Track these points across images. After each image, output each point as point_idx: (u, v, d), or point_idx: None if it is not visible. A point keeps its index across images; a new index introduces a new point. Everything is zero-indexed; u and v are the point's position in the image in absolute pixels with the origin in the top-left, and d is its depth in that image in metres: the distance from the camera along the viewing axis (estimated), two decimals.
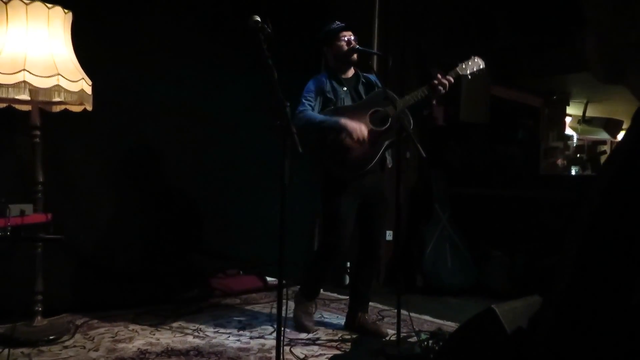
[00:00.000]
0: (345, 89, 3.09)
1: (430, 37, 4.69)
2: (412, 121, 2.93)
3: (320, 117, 2.97)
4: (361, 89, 3.14)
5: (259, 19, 2.18)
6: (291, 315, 3.16)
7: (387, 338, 2.99)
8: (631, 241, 0.75)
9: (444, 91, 2.89)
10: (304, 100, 3.03)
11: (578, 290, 0.81)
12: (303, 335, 3.02)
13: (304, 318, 3.13)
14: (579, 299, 0.81)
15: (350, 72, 3.17)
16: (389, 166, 3.15)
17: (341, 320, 3.31)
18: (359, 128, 2.87)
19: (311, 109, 3.01)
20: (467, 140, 4.99)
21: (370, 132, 2.91)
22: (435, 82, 2.87)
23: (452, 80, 2.91)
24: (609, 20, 0.87)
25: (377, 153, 2.94)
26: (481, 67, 3.00)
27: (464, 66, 2.97)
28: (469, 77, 3.02)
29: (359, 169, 2.94)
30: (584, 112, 7.48)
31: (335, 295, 3.99)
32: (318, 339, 2.98)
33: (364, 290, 3.21)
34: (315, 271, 3.18)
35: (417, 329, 2.96)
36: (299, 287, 3.26)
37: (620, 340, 0.76)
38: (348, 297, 3.34)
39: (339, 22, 3.11)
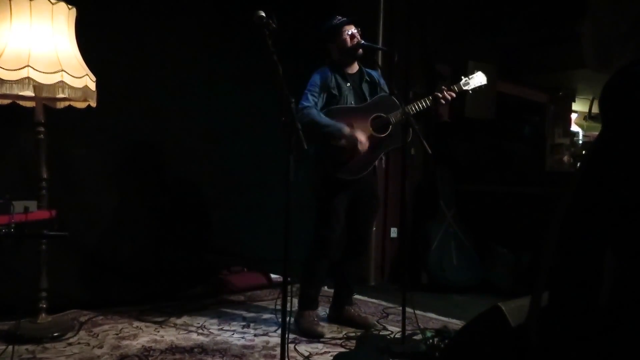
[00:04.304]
0: (349, 84, 3.08)
1: (435, 33, 4.66)
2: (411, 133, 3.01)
3: (325, 120, 2.95)
4: (365, 86, 3.14)
5: (263, 14, 2.17)
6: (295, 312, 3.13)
7: (392, 335, 2.98)
8: (599, 237, 0.77)
9: (445, 104, 3.01)
10: (308, 95, 3.00)
11: (554, 287, 0.83)
12: None
13: (310, 324, 3.03)
14: (556, 296, 0.83)
15: (355, 67, 3.15)
16: (383, 167, 3.27)
17: None
18: (362, 141, 2.92)
19: (315, 104, 3.00)
20: (472, 137, 4.96)
21: (370, 137, 2.97)
22: (439, 95, 2.96)
23: (454, 95, 3.00)
24: (606, 10, 0.92)
25: (375, 159, 3.03)
26: (483, 83, 3.09)
27: (467, 81, 3.07)
28: (470, 92, 3.11)
29: (356, 174, 2.99)
30: (590, 109, 7.43)
31: None
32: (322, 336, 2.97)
33: (349, 283, 3.28)
34: (311, 269, 3.10)
35: (422, 327, 2.95)
36: (297, 300, 3.11)
37: (593, 336, 0.77)
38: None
39: (340, 17, 3.10)
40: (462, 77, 3.09)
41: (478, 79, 3.08)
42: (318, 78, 3.05)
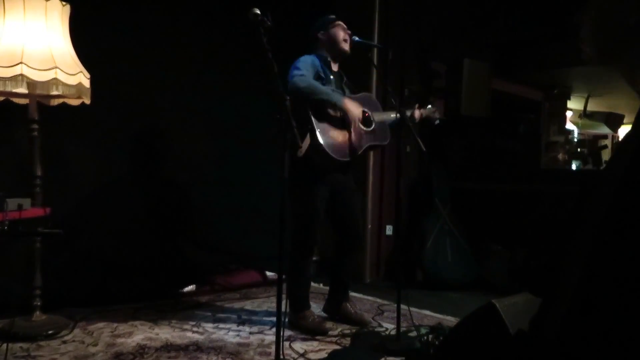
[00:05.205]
0: (332, 77, 3.07)
1: (431, 31, 4.66)
2: (389, 136, 3.12)
3: (325, 88, 2.90)
4: (344, 86, 3.15)
5: (258, 11, 2.16)
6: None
7: (387, 332, 2.99)
8: None
9: (411, 123, 3.09)
10: (300, 67, 2.90)
11: (592, 288, 0.79)
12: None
13: (315, 323, 3.02)
14: (592, 296, 0.78)
15: (336, 67, 3.15)
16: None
17: None
18: (359, 117, 2.91)
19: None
20: (467, 134, 4.97)
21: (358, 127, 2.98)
22: (415, 114, 3.21)
23: (421, 117, 3.26)
24: (612, 3, 0.89)
25: (361, 148, 2.99)
26: (437, 119, 3.39)
27: (432, 108, 3.36)
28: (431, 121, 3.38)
29: (344, 155, 2.92)
30: (585, 107, 7.45)
31: None
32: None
33: (345, 280, 3.25)
34: (297, 271, 3.06)
35: (417, 324, 2.95)
36: (288, 307, 3.01)
37: (636, 338, 0.73)
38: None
39: (334, 17, 3.13)
40: (429, 107, 3.38)
41: (433, 112, 3.36)
42: (308, 58, 3.01)
